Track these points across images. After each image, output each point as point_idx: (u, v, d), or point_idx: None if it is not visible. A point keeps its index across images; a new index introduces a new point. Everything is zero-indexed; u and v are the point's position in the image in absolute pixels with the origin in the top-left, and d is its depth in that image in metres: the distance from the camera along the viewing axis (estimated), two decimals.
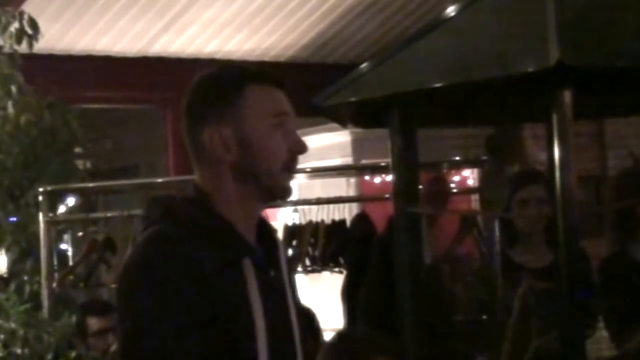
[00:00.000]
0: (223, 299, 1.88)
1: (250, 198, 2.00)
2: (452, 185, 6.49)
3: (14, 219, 5.84)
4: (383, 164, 5.06)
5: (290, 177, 2.01)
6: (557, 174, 2.82)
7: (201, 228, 1.93)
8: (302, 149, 2.00)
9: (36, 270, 5.67)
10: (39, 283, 5.63)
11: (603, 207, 8.20)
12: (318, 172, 6.73)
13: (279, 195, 2.01)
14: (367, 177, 8.24)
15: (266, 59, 8.74)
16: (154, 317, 1.84)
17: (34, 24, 6.00)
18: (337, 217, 5.61)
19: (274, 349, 1.93)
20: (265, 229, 2.07)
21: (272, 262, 2.04)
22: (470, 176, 8.38)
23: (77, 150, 6.27)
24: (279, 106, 2.00)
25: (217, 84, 2.02)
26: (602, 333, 3.76)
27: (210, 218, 1.96)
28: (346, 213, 5.80)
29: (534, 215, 3.84)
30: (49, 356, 5.34)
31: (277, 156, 1.98)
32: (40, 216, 5.49)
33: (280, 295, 2.02)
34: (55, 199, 5.74)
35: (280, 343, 1.97)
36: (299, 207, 6.61)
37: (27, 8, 6.33)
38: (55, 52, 7.72)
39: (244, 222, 1.99)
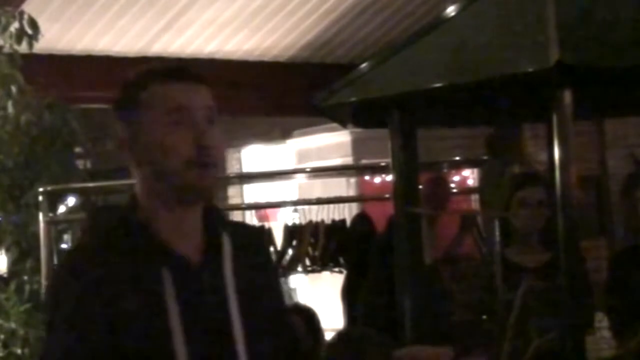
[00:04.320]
0: (135, 312, 1.90)
1: (170, 200, 1.97)
2: (452, 185, 6.49)
3: (14, 218, 5.84)
4: (383, 164, 5.06)
5: (204, 175, 1.95)
6: (557, 174, 2.82)
7: (118, 239, 1.96)
8: (204, 142, 1.94)
9: (36, 270, 5.67)
10: (39, 283, 5.63)
11: (603, 206, 8.21)
12: (318, 172, 6.74)
13: (193, 195, 1.97)
14: (367, 177, 8.25)
15: (266, 59, 8.74)
16: (59, 336, 1.90)
17: (34, 24, 6.01)
18: (337, 217, 5.61)
19: (198, 355, 1.91)
20: (213, 231, 2.02)
21: (212, 266, 1.98)
22: (470, 176, 8.39)
23: (77, 150, 6.27)
24: (178, 101, 1.97)
25: (124, 86, 2.07)
26: (602, 333, 3.76)
27: (129, 228, 1.97)
28: (346, 213, 5.80)
29: (533, 216, 3.83)
30: None
31: (177, 153, 1.94)
32: (40, 216, 5.49)
33: (216, 299, 1.96)
34: (55, 199, 5.74)
35: (210, 350, 1.93)
36: (299, 207, 6.61)
37: (27, 8, 6.33)
38: (55, 52, 7.70)
39: (173, 226, 1.98)
